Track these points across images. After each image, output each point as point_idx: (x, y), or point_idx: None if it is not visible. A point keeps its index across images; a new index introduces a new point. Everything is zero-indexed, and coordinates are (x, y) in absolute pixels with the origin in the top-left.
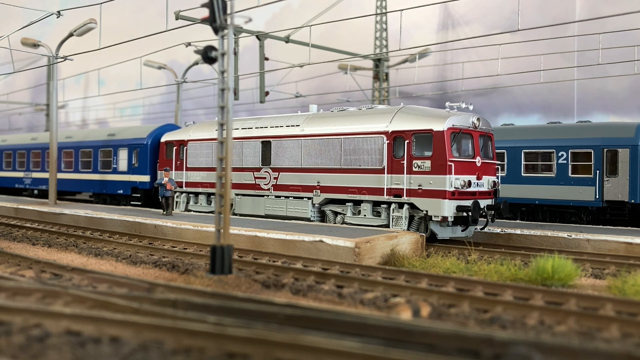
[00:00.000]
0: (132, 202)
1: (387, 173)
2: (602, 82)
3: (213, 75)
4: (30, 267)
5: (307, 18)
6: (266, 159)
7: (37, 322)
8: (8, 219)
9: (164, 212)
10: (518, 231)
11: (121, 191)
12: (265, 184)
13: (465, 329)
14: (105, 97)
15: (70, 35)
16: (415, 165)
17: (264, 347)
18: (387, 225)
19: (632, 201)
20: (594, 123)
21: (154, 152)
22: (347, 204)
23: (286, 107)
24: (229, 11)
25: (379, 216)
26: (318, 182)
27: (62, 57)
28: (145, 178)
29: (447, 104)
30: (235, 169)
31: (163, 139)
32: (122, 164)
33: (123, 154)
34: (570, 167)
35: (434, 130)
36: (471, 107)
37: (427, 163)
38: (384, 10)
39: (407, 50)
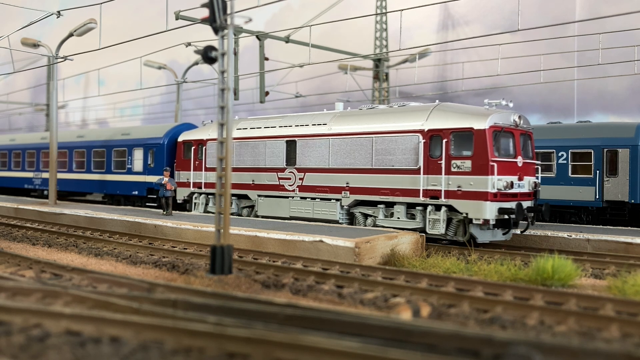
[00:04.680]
0: (147, 204)
1: (423, 174)
2: (602, 82)
3: (213, 75)
4: (30, 267)
5: (307, 18)
6: (291, 158)
7: (37, 322)
8: (8, 219)
9: (164, 212)
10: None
11: (136, 192)
12: (289, 185)
13: (465, 329)
14: (105, 97)
15: (70, 35)
16: (454, 166)
17: (264, 347)
18: (423, 229)
19: (632, 201)
20: (594, 123)
21: (171, 151)
22: (378, 206)
23: (286, 107)
24: (229, 11)
25: (414, 219)
26: (347, 183)
27: (62, 57)
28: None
29: (486, 101)
30: (257, 169)
31: (180, 139)
32: (137, 164)
33: (138, 154)
34: (570, 167)
35: (475, 128)
36: (511, 105)
37: (467, 163)
38: (384, 10)
39: (407, 50)
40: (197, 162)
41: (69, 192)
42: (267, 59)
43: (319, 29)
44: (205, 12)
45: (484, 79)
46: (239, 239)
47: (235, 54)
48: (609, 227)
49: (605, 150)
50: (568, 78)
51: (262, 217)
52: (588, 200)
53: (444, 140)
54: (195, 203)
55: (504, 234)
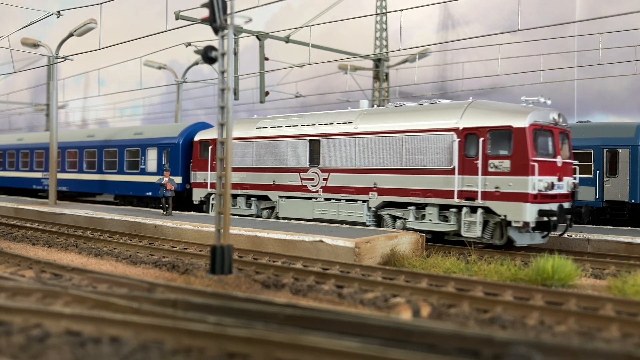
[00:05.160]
0: (161, 205)
1: (458, 174)
2: (602, 82)
3: (213, 75)
4: (30, 267)
5: (307, 18)
6: (314, 158)
7: (37, 322)
8: (8, 219)
9: (164, 212)
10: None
11: (150, 193)
12: (313, 186)
13: (465, 329)
14: (105, 97)
15: (70, 35)
16: (492, 166)
17: (264, 347)
18: (457, 231)
19: (632, 201)
20: (594, 123)
21: (186, 151)
22: (408, 207)
23: (286, 107)
24: (229, 11)
25: (447, 221)
26: (375, 184)
27: (62, 57)
28: (177, 179)
29: (523, 98)
30: (278, 170)
31: (197, 138)
32: (151, 165)
33: (152, 154)
34: None
35: (514, 126)
36: (549, 102)
37: (506, 163)
38: (384, 10)
39: (407, 50)
40: (214, 162)
41: (79, 193)
42: (267, 59)
43: (319, 29)
44: (205, 12)
45: (484, 79)
46: (239, 239)
47: (235, 54)
48: (609, 227)
49: (605, 150)
50: (568, 78)
51: (283, 218)
52: (588, 200)
53: (481, 139)
54: (212, 204)
55: (543, 237)
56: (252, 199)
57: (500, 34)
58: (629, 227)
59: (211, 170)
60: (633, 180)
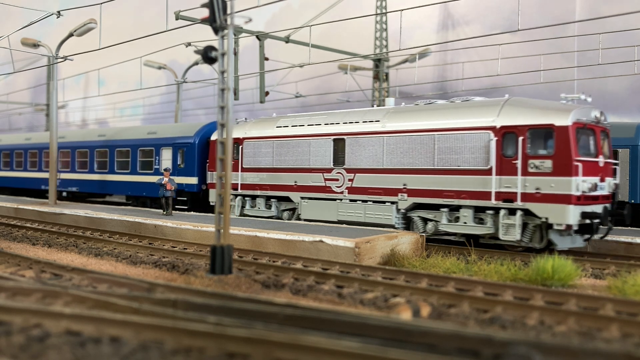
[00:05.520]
0: (177, 206)
1: (496, 174)
2: (602, 82)
3: (213, 75)
4: (30, 267)
5: (307, 18)
6: (339, 158)
7: (37, 322)
8: (8, 219)
9: (164, 212)
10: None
11: None
12: (337, 187)
13: (465, 329)
14: (105, 97)
15: (70, 35)
16: (532, 166)
17: (264, 347)
18: (494, 234)
19: (632, 201)
20: None
21: (202, 151)
22: (441, 209)
23: (286, 107)
24: (229, 11)
25: (483, 223)
26: (404, 185)
27: (62, 57)
28: (193, 180)
29: (563, 95)
30: (299, 170)
31: (214, 137)
32: (166, 165)
33: (167, 154)
34: None
35: (556, 125)
36: (589, 100)
37: (548, 163)
38: (384, 10)
39: (407, 50)
40: (232, 162)
41: (89, 194)
42: (267, 59)
43: (319, 29)
44: (205, 12)
45: (484, 79)
46: (239, 239)
47: (235, 54)
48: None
49: None
50: (568, 78)
51: (306, 220)
52: None
53: (520, 138)
54: (230, 206)
55: (585, 240)
56: (272, 200)
57: (500, 34)
58: (629, 227)
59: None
60: (633, 180)
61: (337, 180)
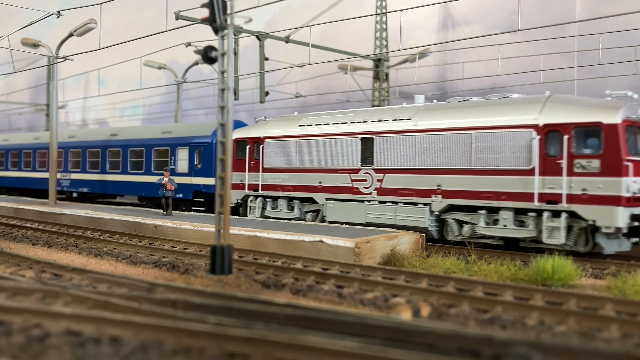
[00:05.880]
0: (193, 208)
1: (539, 175)
2: (602, 82)
3: (213, 75)
4: (30, 267)
5: (307, 18)
6: (367, 158)
7: (37, 322)
8: (8, 219)
9: (164, 212)
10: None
11: (180, 195)
12: (365, 187)
13: (465, 329)
14: (105, 97)
15: (70, 35)
16: (578, 166)
17: (264, 347)
18: (536, 237)
19: None
20: None
21: None
22: (478, 211)
23: (286, 107)
24: (229, 11)
25: (524, 226)
26: (438, 186)
27: (62, 57)
28: (210, 181)
29: (608, 92)
30: (324, 170)
31: (233, 136)
32: (182, 165)
33: (183, 154)
34: None
35: (604, 123)
36: (636, 96)
37: (595, 163)
38: (384, 10)
39: (407, 50)
40: (252, 163)
41: (100, 195)
42: (267, 59)
43: (319, 29)
44: (205, 12)
45: (484, 79)
46: (239, 239)
47: (235, 54)
48: None
49: None
50: (568, 78)
51: (331, 222)
52: None
53: (565, 137)
54: (250, 207)
55: (633, 243)
56: (294, 201)
57: (500, 34)
58: None
59: (249, 171)
60: None
61: (365, 180)
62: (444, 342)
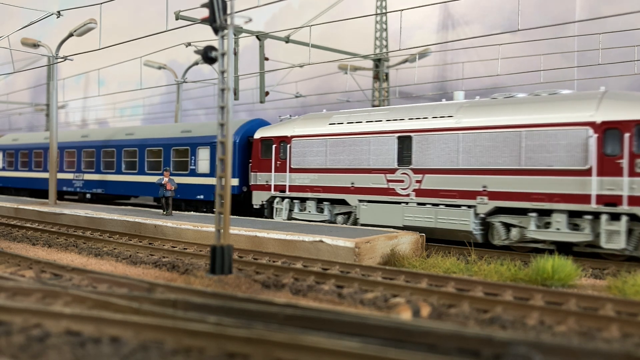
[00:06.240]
0: (214, 209)
1: (596, 175)
2: (602, 82)
3: (213, 75)
4: (30, 267)
5: (307, 18)
6: (404, 157)
7: (37, 322)
8: (8, 219)
9: (164, 212)
10: None
11: (201, 196)
12: (403, 189)
13: (465, 329)
14: (105, 97)
15: (70, 35)
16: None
17: (264, 347)
18: (593, 242)
19: None
20: None
21: (243, 150)
22: (528, 214)
23: (286, 107)
24: (229, 11)
25: (579, 229)
26: (484, 187)
27: (62, 57)
28: (233, 181)
29: None
30: (357, 170)
31: (258, 136)
32: (203, 165)
33: (204, 154)
34: None
35: None
36: None
37: None
38: (384, 10)
39: (407, 50)
40: (279, 163)
41: (117, 196)
42: (267, 59)
43: (319, 29)
44: (205, 12)
45: (484, 79)
46: (239, 239)
47: (235, 54)
48: None
49: None
50: (568, 78)
51: (364, 225)
52: None
53: (626, 135)
54: (276, 209)
55: None
56: (324, 202)
57: (500, 34)
58: None
59: (276, 172)
60: None
61: (402, 181)
62: (444, 342)
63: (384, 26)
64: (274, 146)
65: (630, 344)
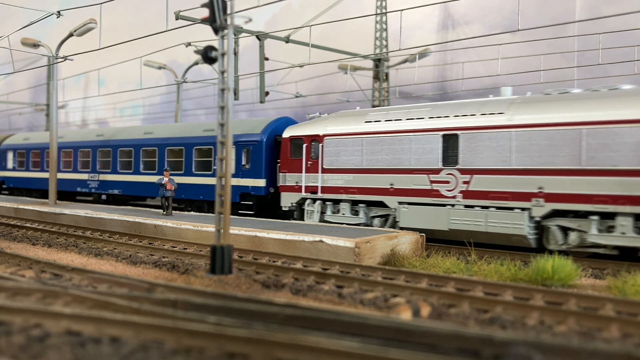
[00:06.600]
0: (240, 211)
1: None
2: (602, 82)
3: (213, 75)
4: (30, 267)
5: (307, 18)
6: (450, 157)
7: (37, 322)
8: (8, 219)
9: (164, 212)
10: None
11: None
12: (448, 190)
13: (465, 329)
14: (105, 97)
15: (70, 35)
16: None
17: (264, 347)
18: None
19: None
20: None
21: (271, 150)
22: (590, 217)
23: (286, 107)
24: (229, 11)
25: None
26: (540, 188)
27: (62, 57)
28: (260, 182)
29: None
30: (397, 171)
31: (287, 134)
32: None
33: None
34: None
35: None
36: None
37: None
38: (384, 10)
39: (407, 50)
40: (310, 163)
41: (136, 197)
42: (267, 59)
43: (319, 29)
44: (205, 12)
45: (484, 79)
46: (239, 239)
47: (235, 54)
48: None
49: None
50: (568, 78)
51: (405, 229)
52: None
53: None
54: (307, 211)
55: None
56: (359, 205)
57: (500, 34)
58: None
59: (306, 172)
60: None
61: (447, 182)
62: (444, 342)
63: (384, 26)
64: (304, 145)
65: (630, 344)
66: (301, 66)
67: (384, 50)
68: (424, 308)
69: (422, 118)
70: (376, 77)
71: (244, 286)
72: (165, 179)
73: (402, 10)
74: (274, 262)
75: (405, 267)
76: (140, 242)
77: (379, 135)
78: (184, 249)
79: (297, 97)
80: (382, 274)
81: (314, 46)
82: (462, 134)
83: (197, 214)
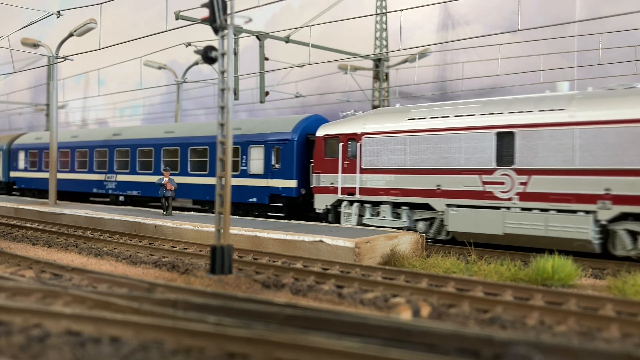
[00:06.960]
0: (269, 214)
1: None
2: (602, 82)
3: (213, 75)
4: (30, 267)
5: (307, 18)
6: (504, 156)
7: (37, 322)
8: (8, 219)
9: (164, 212)
10: None
11: (254, 199)
12: (503, 192)
13: (465, 329)
14: (105, 97)
15: (70, 35)
16: None
17: (264, 347)
18: None
19: None
20: None
21: (302, 149)
22: None
23: (286, 107)
24: (229, 11)
25: None
26: (607, 190)
27: (62, 57)
28: (291, 183)
29: None
30: (445, 171)
31: (321, 133)
32: (255, 165)
33: (257, 153)
34: None
35: None
36: None
37: None
38: (384, 10)
39: (407, 50)
40: (346, 163)
41: (153, 198)
42: (267, 59)
43: (319, 29)
44: (205, 12)
45: (484, 79)
46: (239, 239)
47: (235, 54)
48: None
49: None
50: (568, 78)
51: (454, 232)
52: None
53: None
54: (344, 213)
55: None
56: (402, 207)
57: (500, 34)
58: None
59: (343, 173)
60: None
61: (502, 183)
62: (444, 342)
63: (384, 26)
64: (340, 144)
65: (630, 344)
66: (301, 66)
67: (384, 50)
68: (424, 308)
69: (473, 115)
70: (376, 77)
71: (244, 286)
72: (165, 179)
73: (402, 10)
74: (274, 262)
75: (405, 267)
76: (140, 242)
77: (424, 134)
78: (184, 249)
79: (297, 97)
80: (382, 274)
81: (314, 46)
82: (519, 131)
83: (197, 214)
